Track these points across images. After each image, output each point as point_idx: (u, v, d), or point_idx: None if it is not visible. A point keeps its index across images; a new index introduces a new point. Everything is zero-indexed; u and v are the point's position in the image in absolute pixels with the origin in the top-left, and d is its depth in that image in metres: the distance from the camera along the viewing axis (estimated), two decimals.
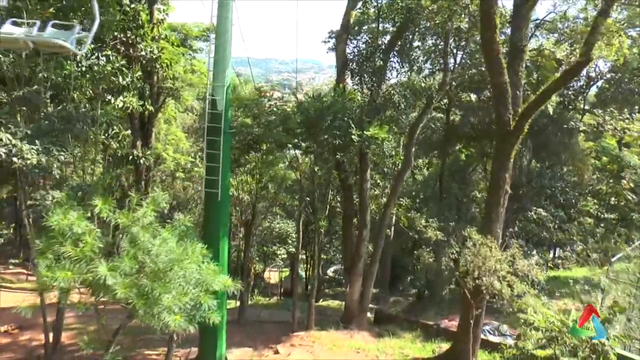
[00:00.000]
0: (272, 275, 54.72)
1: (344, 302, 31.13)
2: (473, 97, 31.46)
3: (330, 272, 56.47)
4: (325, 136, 19.13)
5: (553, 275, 33.44)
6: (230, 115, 17.68)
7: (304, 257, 44.56)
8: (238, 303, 28.93)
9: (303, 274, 49.56)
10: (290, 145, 20.19)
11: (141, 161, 22.50)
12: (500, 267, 16.15)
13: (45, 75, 17.21)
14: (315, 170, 20.70)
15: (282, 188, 24.33)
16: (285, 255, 43.42)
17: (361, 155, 21.43)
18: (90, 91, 20.82)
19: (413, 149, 22.53)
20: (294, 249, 39.04)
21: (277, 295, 49.74)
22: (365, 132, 19.39)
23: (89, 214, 10.11)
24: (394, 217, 31.26)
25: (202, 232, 17.96)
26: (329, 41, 26.19)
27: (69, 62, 18.29)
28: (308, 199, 23.01)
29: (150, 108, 26.73)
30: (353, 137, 19.09)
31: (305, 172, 21.72)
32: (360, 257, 22.60)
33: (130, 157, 22.07)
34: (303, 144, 20.29)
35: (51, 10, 16.06)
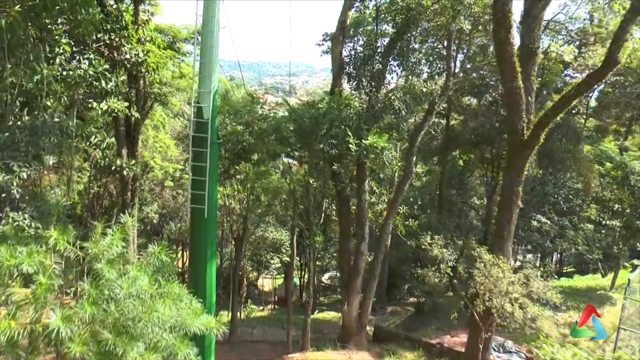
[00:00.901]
0: (267, 282, 53.13)
1: (340, 316, 29.66)
2: (473, 101, 29.98)
3: (325, 279, 54.90)
4: (321, 145, 17.54)
5: (555, 285, 31.93)
6: (217, 124, 16.08)
7: (298, 263, 42.97)
8: (229, 315, 27.41)
9: (297, 280, 47.95)
10: (283, 155, 18.55)
11: (125, 172, 20.83)
12: (513, 289, 14.62)
13: (14, 80, 15.49)
14: (310, 182, 19.09)
15: (275, 200, 22.66)
16: (279, 265, 41.78)
17: (359, 165, 19.83)
18: (67, 98, 19.21)
19: (414, 158, 20.95)
20: (288, 258, 37.44)
21: (272, 303, 48.16)
22: (363, 140, 17.83)
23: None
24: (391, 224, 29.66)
25: (189, 250, 16.41)
26: (323, 44, 24.80)
27: (41, 66, 16.62)
28: (302, 207, 21.39)
29: (136, 114, 25.09)
30: (350, 146, 17.51)
31: (300, 182, 20.07)
32: (358, 272, 21.01)
33: (113, 167, 20.36)
34: (297, 154, 18.67)
35: (17, 8, 14.32)
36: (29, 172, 11.66)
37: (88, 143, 21.10)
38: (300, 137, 18.13)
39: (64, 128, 16.54)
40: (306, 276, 48.77)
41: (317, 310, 33.91)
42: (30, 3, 16.43)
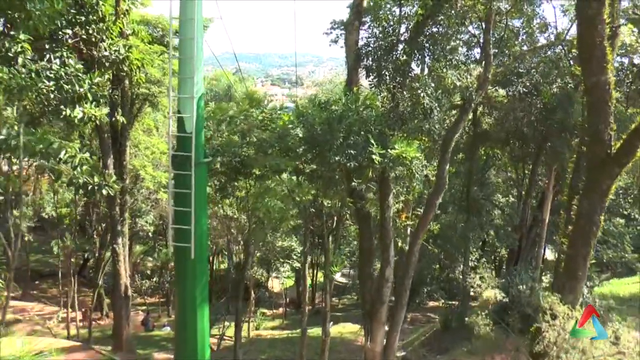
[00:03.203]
0: (277, 282, 49.52)
1: (359, 336, 26.01)
2: (501, 92, 25.73)
3: (338, 277, 51.37)
4: (337, 157, 13.65)
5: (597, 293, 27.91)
6: (204, 139, 12.21)
7: (309, 260, 39.31)
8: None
9: (309, 280, 44.37)
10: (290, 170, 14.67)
11: (104, 191, 16.98)
12: (595, 349, 10.79)
13: None
14: (325, 204, 15.20)
15: (282, 225, 18.72)
16: (289, 271, 38.12)
17: (382, 178, 15.91)
18: (34, 105, 15.48)
19: (447, 166, 16.97)
20: (299, 264, 33.76)
21: (283, 306, 44.65)
22: (389, 150, 13.91)
23: None
24: (409, 229, 25.73)
25: (176, 301, 12.68)
26: (331, 32, 20.78)
27: None
28: (312, 227, 17.48)
29: (122, 119, 21.29)
30: (374, 157, 13.61)
31: (310, 202, 16.18)
32: (382, 302, 17.20)
33: (90, 186, 16.55)
34: (306, 167, 14.80)
35: None
36: None
37: (58, 160, 17.22)
38: (311, 147, 14.26)
39: (11, 146, 12.74)
40: (319, 275, 45.27)
41: (331, 322, 30.09)
42: None
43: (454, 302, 38.34)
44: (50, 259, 42.04)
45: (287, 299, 45.81)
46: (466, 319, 26.57)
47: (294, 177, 15.22)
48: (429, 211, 16.88)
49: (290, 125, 14.68)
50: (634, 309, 25.76)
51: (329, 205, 16.40)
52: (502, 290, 23.77)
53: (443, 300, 36.67)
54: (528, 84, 23.04)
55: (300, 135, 14.31)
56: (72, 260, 34.75)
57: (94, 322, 33.09)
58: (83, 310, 31.88)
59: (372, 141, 13.77)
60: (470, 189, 25.85)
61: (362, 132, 14.24)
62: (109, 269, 27.39)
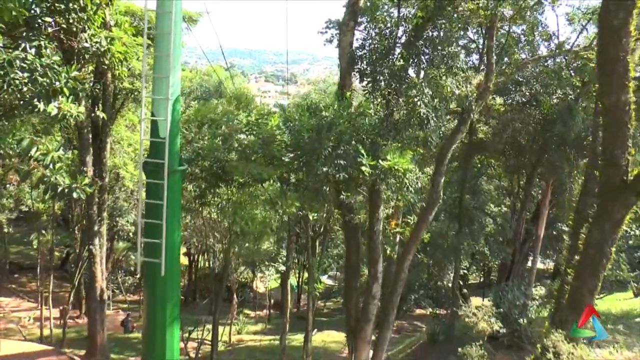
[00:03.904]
0: (262, 283, 48.23)
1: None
2: (498, 100, 24.60)
3: (324, 279, 50.13)
4: (325, 168, 12.51)
5: None
6: (179, 145, 10.99)
7: (295, 261, 38.21)
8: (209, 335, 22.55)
9: (294, 282, 43.17)
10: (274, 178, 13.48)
11: (74, 194, 15.68)
12: None
13: None
14: (310, 217, 14.04)
15: (263, 237, 17.51)
16: (274, 275, 36.90)
17: (372, 190, 14.77)
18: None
19: (442, 180, 15.84)
20: (284, 267, 32.60)
21: (267, 307, 43.41)
22: (381, 161, 12.79)
23: None
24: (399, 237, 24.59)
25: (144, 322, 11.49)
26: (326, 31, 19.64)
27: None
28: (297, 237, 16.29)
29: (102, 115, 19.97)
30: (364, 168, 12.49)
31: (295, 214, 14.99)
32: (368, 319, 16.09)
33: (60, 188, 15.25)
34: (292, 177, 13.63)
35: None
36: None
37: (28, 158, 15.91)
38: (297, 156, 13.09)
39: None
40: (305, 275, 44.04)
41: (315, 330, 28.82)
42: None
43: (441, 311, 37.39)
44: (32, 251, 40.69)
45: (272, 301, 44.59)
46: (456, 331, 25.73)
47: (278, 185, 14.03)
48: (421, 227, 15.81)
49: (277, 131, 13.52)
50: (626, 327, 24.86)
51: (315, 217, 15.24)
52: (493, 304, 22.86)
53: (430, 309, 35.67)
54: (527, 93, 22.02)
55: (287, 141, 13.17)
56: (55, 252, 33.52)
57: (72, 321, 31.82)
58: (61, 308, 30.51)
59: (363, 151, 12.66)
60: (463, 198, 24.78)
61: (354, 142, 13.11)
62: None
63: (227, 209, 15.18)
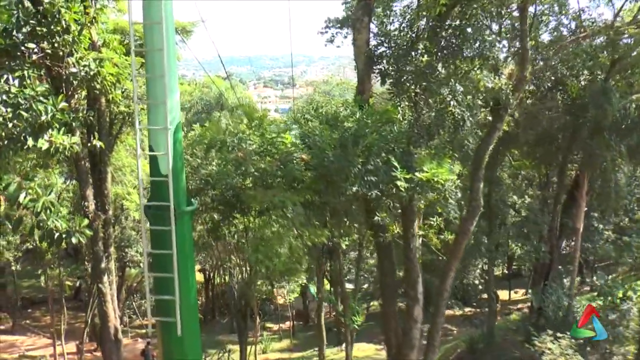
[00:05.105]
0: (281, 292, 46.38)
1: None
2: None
3: (349, 285, 48.11)
4: (355, 188, 10.65)
5: None
6: (185, 182, 9.11)
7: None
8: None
9: (313, 290, 41.28)
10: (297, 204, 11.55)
11: (73, 239, 13.75)
12: None
13: None
14: (343, 245, 12.17)
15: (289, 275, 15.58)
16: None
17: (407, 205, 12.87)
18: None
19: (481, 185, 13.93)
20: (305, 280, 30.84)
21: (289, 319, 41.59)
22: (417, 172, 10.92)
23: None
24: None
25: None
26: (326, 31, 19.23)
27: None
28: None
29: (99, 143, 18.13)
30: (399, 183, 10.62)
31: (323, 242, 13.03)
32: (412, 346, 14.25)
33: (57, 234, 13.33)
34: (317, 200, 11.76)
35: None
36: None
37: (17, 205, 14.00)
38: (322, 177, 11.21)
39: None
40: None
41: (343, 344, 27.07)
42: None
43: (470, 310, 35.47)
44: (43, 283, 39.12)
45: (294, 312, 42.74)
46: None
47: (302, 212, 12.13)
48: (462, 240, 13.91)
49: (293, 148, 11.64)
50: None
51: (347, 244, 13.39)
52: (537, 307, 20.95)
53: (460, 310, 33.81)
54: (553, 78, 19.98)
55: (310, 161, 11.30)
56: (67, 282, 31.89)
57: (89, 354, 30.21)
58: (77, 343, 28.88)
59: (396, 164, 10.79)
60: (492, 196, 22.80)
61: (383, 154, 11.23)
62: None
63: (245, 245, 13.25)
